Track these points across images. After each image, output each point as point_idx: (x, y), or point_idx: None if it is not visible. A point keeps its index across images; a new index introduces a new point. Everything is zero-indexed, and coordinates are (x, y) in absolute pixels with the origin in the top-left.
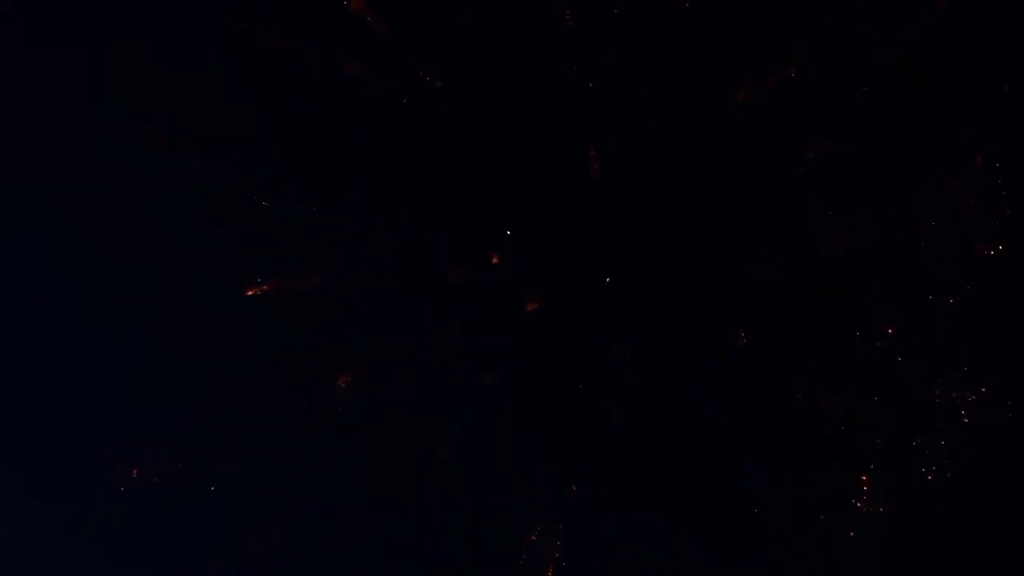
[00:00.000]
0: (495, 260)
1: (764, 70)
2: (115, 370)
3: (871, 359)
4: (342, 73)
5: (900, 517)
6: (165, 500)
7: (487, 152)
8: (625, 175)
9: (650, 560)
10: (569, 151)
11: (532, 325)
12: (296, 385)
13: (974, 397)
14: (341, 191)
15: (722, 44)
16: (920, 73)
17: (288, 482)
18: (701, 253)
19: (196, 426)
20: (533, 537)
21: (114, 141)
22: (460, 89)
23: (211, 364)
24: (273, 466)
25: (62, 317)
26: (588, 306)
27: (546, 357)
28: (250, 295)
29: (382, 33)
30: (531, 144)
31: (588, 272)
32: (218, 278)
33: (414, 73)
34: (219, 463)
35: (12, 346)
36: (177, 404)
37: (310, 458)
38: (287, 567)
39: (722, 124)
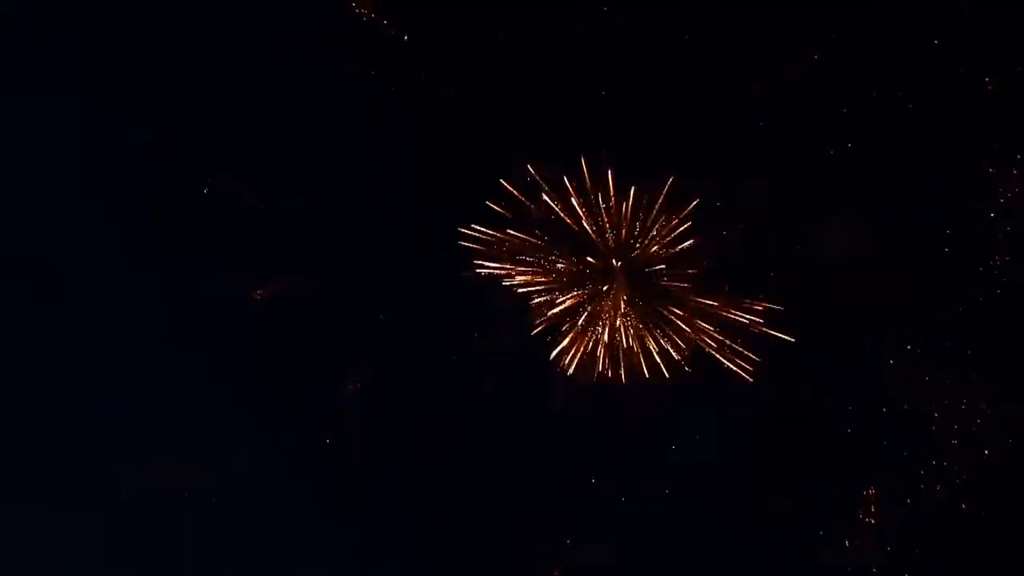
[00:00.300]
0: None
1: (776, 71)
2: (119, 375)
3: (879, 367)
4: (351, 77)
5: (905, 529)
6: (168, 505)
7: (496, 155)
8: (637, 178)
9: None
10: (579, 155)
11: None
12: (305, 389)
13: (985, 407)
14: (348, 195)
15: (733, 46)
16: (931, 77)
17: (296, 485)
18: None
19: (202, 431)
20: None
21: (122, 145)
22: (470, 93)
23: (219, 369)
24: (280, 469)
25: (69, 322)
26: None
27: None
28: (258, 298)
29: (392, 37)
30: (541, 147)
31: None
32: (227, 281)
33: (423, 76)
34: (225, 467)
35: (18, 350)
36: (183, 409)
37: (317, 461)
38: (292, 569)
39: (733, 126)
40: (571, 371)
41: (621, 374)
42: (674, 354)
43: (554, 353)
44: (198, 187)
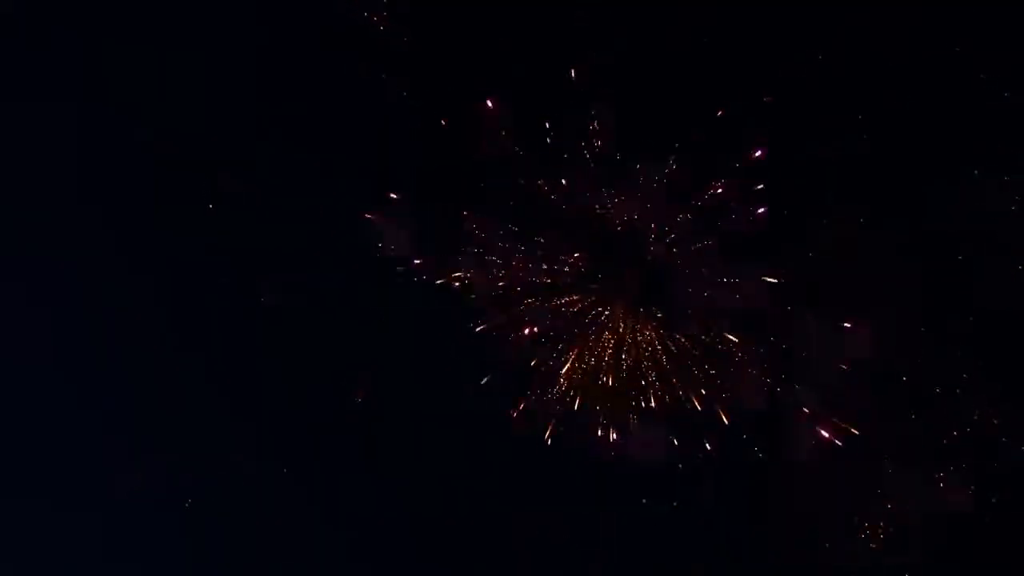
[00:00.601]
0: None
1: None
2: (119, 375)
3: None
4: (352, 77)
5: (912, 533)
6: (168, 505)
7: (502, 159)
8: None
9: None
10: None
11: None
12: (305, 389)
13: (997, 420)
14: (349, 195)
15: (734, 45)
16: (943, 78)
17: (296, 485)
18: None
19: (202, 431)
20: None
21: (122, 145)
22: (471, 92)
23: (220, 369)
24: (280, 469)
25: (69, 322)
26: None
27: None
28: (261, 299)
29: (393, 37)
30: (544, 150)
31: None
32: (227, 282)
33: (423, 76)
34: (225, 467)
35: (18, 350)
36: (183, 409)
37: (318, 461)
38: (292, 569)
39: (742, 128)
40: (548, 437)
41: (632, 442)
42: (725, 420)
43: (516, 411)
44: (198, 187)
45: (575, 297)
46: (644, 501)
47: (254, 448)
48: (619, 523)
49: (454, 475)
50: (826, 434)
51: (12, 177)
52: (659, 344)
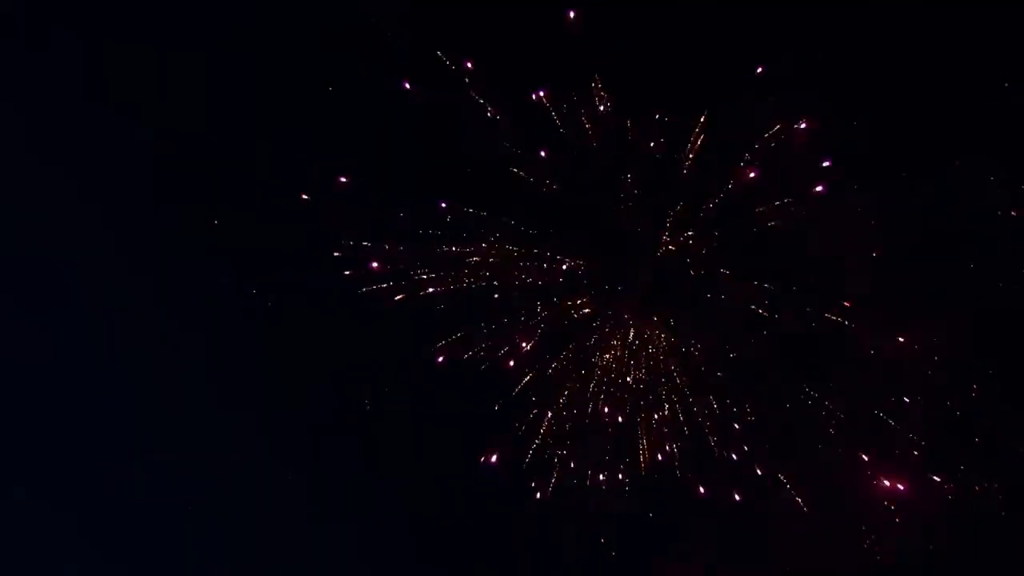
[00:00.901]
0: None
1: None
2: (119, 375)
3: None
4: (352, 76)
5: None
6: (168, 504)
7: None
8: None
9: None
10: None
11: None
12: (305, 389)
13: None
14: (349, 195)
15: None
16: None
17: (296, 485)
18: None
19: (202, 431)
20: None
21: (122, 145)
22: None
23: (220, 369)
24: (280, 469)
25: (69, 322)
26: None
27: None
28: (262, 299)
29: (393, 37)
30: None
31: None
32: (227, 281)
33: (424, 76)
34: (225, 467)
35: (18, 350)
36: (183, 409)
37: (317, 461)
38: (292, 569)
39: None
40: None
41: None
42: (760, 471)
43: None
44: (198, 187)
45: (578, 301)
46: (650, 515)
47: (254, 448)
48: (619, 525)
49: (453, 476)
50: (887, 483)
51: (12, 177)
52: (671, 353)
